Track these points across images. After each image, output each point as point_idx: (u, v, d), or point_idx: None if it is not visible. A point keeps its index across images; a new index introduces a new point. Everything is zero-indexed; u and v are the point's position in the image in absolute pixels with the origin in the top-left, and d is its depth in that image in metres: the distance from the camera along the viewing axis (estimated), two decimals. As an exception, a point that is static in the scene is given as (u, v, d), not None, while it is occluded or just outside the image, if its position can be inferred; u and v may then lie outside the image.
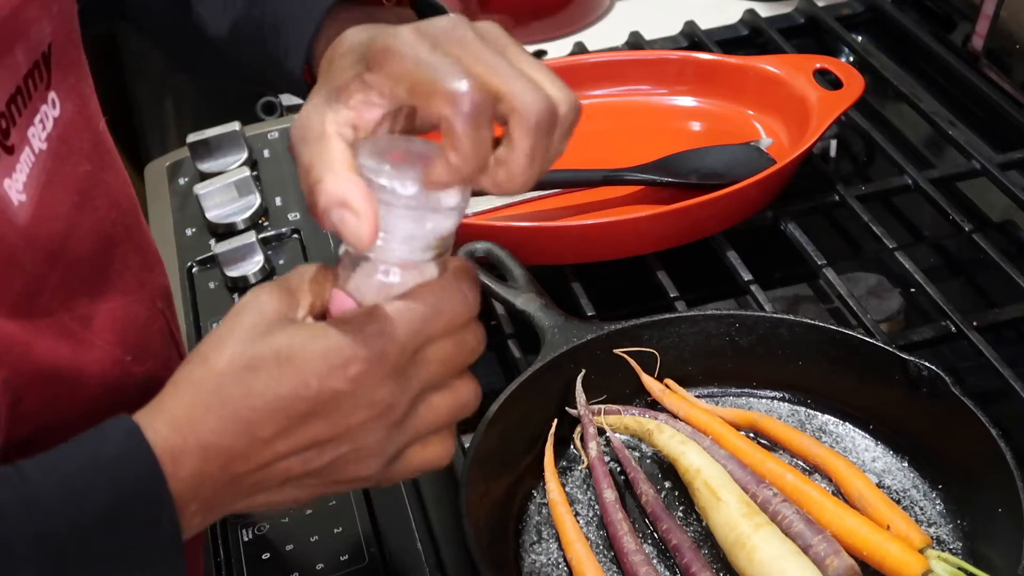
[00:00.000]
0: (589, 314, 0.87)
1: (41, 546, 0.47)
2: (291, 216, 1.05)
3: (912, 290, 0.90)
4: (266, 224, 1.04)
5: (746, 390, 0.80)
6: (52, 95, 0.60)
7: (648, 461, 0.77)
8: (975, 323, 0.83)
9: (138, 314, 0.69)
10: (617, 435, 0.77)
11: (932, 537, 0.68)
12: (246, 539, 0.76)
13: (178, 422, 0.51)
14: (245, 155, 1.10)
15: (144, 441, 0.50)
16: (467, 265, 0.56)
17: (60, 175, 0.61)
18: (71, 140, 0.62)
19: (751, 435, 0.76)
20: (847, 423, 0.77)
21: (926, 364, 0.71)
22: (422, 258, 0.54)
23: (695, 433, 0.75)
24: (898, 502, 0.71)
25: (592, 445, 0.75)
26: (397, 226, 0.52)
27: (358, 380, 0.51)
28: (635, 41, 1.22)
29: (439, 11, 0.71)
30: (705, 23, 1.23)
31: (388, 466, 0.55)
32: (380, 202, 0.52)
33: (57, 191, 0.60)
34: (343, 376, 0.51)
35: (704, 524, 0.71)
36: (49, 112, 0.60)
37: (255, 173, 1.10)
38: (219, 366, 0.51)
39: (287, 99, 1.22)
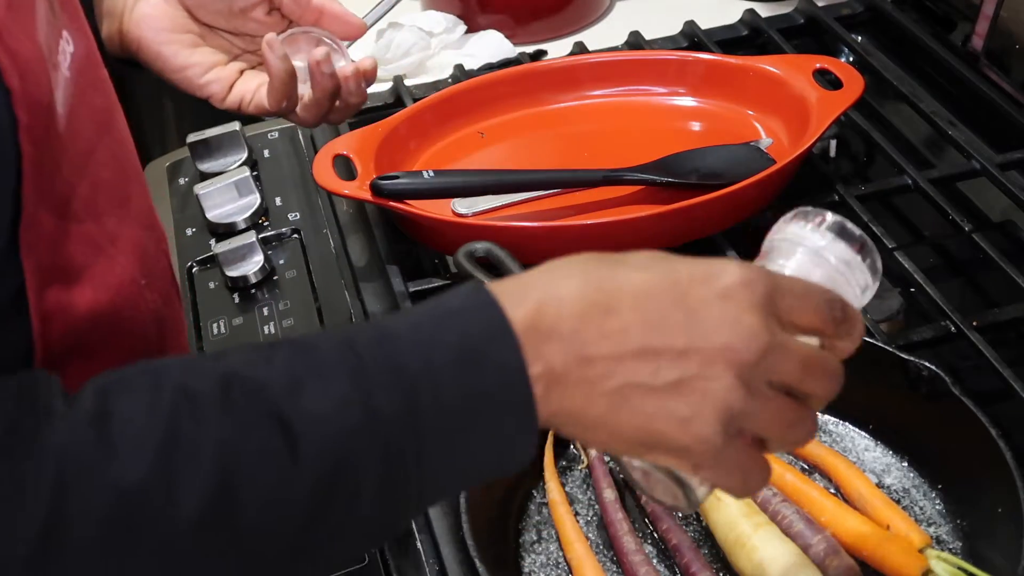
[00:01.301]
0: (589, 314, 0.87)
1: (395, 375, 0.48)
2: (291, 216, 1.05)
3: (912, 290, 0.90)
4: (266, 224, 1.04)
5: (746, 390, 0.80)
6: (65, 33, 0.64)
7: (648, 461, 0.77)
8: (975, 323, 0.83)
9: (149, 248, 0.73)
10: (617, 435, 0.77)
11: (932, 537, 0.68)
12: (246, 539, 0.76)
13: (529, 288, 0.51)
14: (245, 155, 1.10)
15: (488, 295, 0.50)
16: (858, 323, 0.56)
17: (82, 103, 0.65)
18: (89, 74, 0.67)
19: (751, 435, 0.76)
20: (847, 423, 0.77)
21: (926, 364, 0.72)
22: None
23: (695, 433, 0.75)
24: (898, 502, 0.71)
25: (592, 445, 0.75)
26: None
27: (730, 294, 0.50)
28: (635, 41, 1.21)
29: None
30: (705, 23, 1.23)
31: (718, 442, 0.50)
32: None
33: (81, 115, 0.64)
34: (717, 285, 0.50)
35: (704, 524, 0.71)
36: (66, 48, 0.64)
37: (255, 173, 1.10)
38: (587, 256, 0.52)
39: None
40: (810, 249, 0.56)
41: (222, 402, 0.47)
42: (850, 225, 0.56)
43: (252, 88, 0.86)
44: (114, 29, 0.83)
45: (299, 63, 0.83)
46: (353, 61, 0.86)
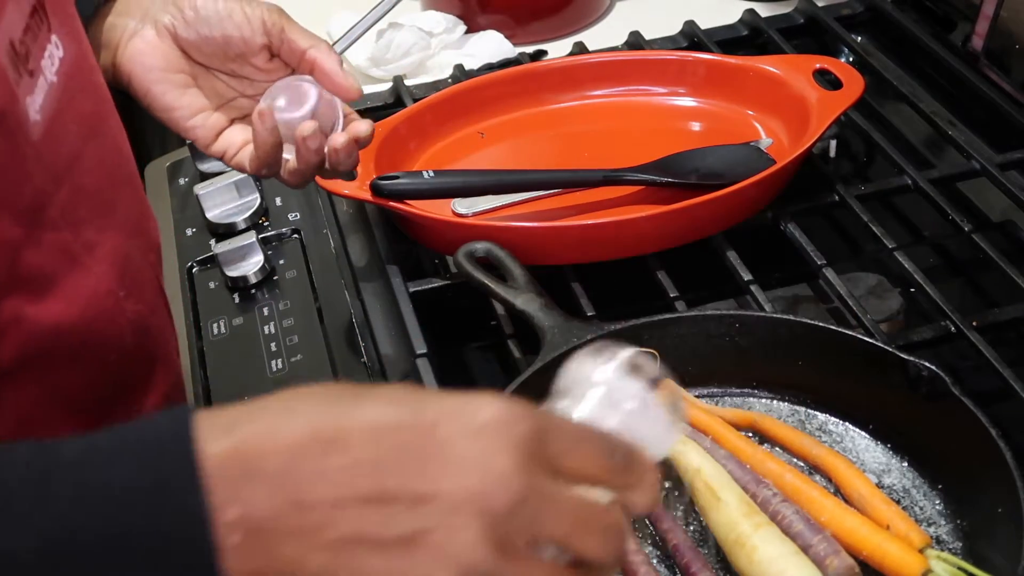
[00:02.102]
0: (589, 314, 0.87)
1: (39, 514, 0.41)
2: (291, 216, 1.05)
3: (912, 290, 0.90)
4: (266, 224, 1.04)
5: (746, 390, 0.80)
6: (54, 37, 0.63)
7: (648, 461, 0.77)
8: (975, 323, 0.83)
9: (134, 257, 0.71)
10: (617, 435, 0.77)
11: (932, 537, 0.68)
12: (246, 539, 0.76)
13: (245, 417, 0.44)
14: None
15: (187, 424, 0.43)
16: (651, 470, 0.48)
17: (69, 108, 0.64)
18: (77, 79, 0.66)
19: (751, 435, 0.76)
20: (847, 423, 0.77)
21: (926, 364, 0.72)
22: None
23: (695, 433, 0.75)
24: (898, 502, 0.71)
25: (592, 445, 0.75)
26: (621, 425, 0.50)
27: (483, 433, 0.43)
28: (635, 41, 1.21)
29: None
30: (705, 23, 1.23)
31: None
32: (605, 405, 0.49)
33: (66, 121, 0.63)
34: (470, 423, 0.43)
35: (704, 524, 0.71)
36: (55, 52, 0.63)
37: (255, 173, 1.10)
38: (326, 387, 0.45)
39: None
40: (600, 391, 0.49)
41: None
42: (650, 363, 0.50)
43: (238, 143, 0.82)
44: (108, 61, 0.80)
45: (288, 115, 0.78)
46: (343, 131, 0.80)
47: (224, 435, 0.42)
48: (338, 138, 0.79)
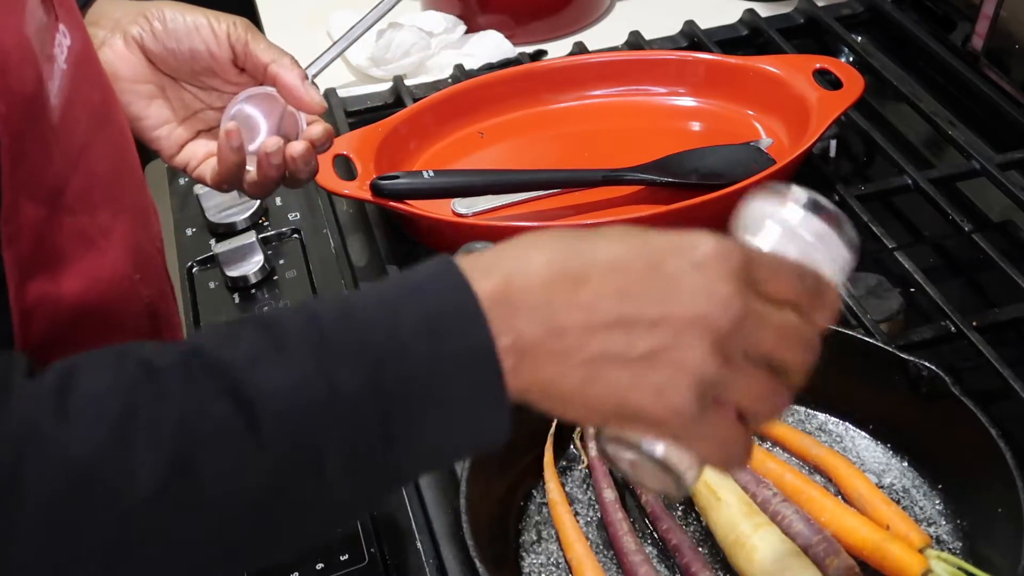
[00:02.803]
0: (589, 314, 0.87)
1: (359, 351, 0.48)
2: (291, 216, 1.05)
3: (912, 290, 0.90)
4: (266, 224, 1.04)
5: (746, 390, 0.80)
6: (62, 26, 0.64)
7: (648, 461, 0.77)
8: (975, 323, 0.83)
9: (144, 245, 0.72)
10: (617, 435, 0.77)
11: (932, 537, 0.68)
12: (246, 539, 0.76)
13: (498, 261, 0.50)
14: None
15: (456, 268, 0.49)
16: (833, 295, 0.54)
17: (78, 96, 0.64)
18: (84, 68, 0.67)
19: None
20: (847, 423, 0.77)
21: (926, 364, 0.72)
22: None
23: (695, 433, 0.74)
24: (898, 502, 0.71)
25: (592, 444, 0.75)
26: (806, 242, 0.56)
27: (704, 265, 0.49)
28: (635, 41, 1.22)
29: None
30: (705, 23, 1.23)
31: (694, 411, 0.49)
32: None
33: (76, 109, 0.64)
34: (692, 256, 0.49)
35: (704, 524, 0.71)
36: (63, 41, 0.63)
37: (255, 173, 1.10)
38: (559, 230, 0.51)
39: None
40: (783, 226, 0.55)
41: (184, 378, 0.47)
42: (823, 200, 0.56)
43: (200, 156, 0.83)
44: None
45: (250, 139, 0.80)
46: (303, 137, 0.81)
47: (487, 277, 0.49)
48: (296, 146, 0.79)
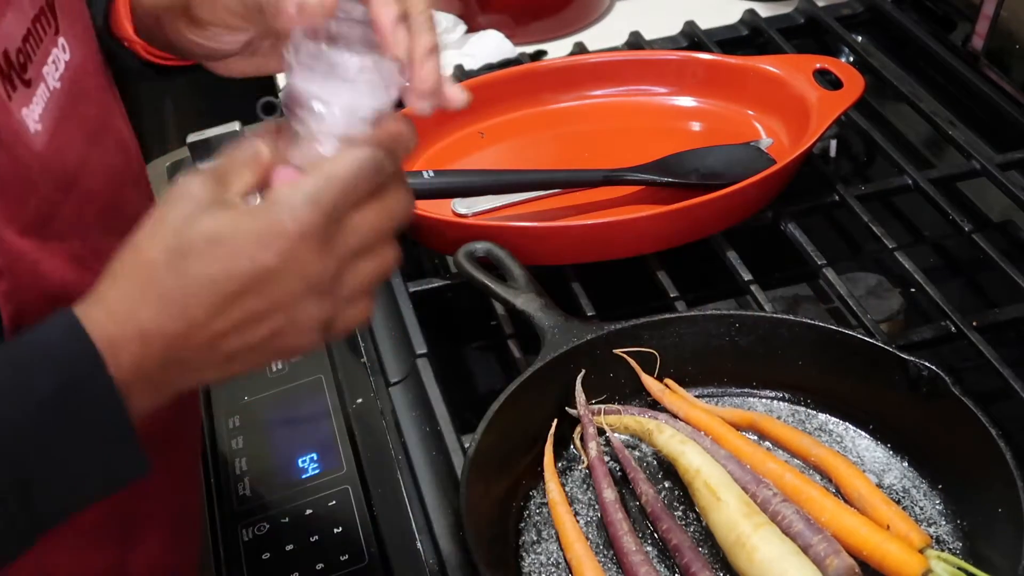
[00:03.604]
0: (589, 314, 0.87)
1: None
2: (291, 216, 1.05)
3: (912, 290, 0.90)
4: (266, 224, 1.04)
5: (746, 390, 0.80)
6: (61, 40, 0.64)
7: (648, 461, 0.77)
8: (975, 323, 0.83)
9: None
10: (617, 435, 0.77)
11: (932, 537, 0.68)
12: (246, 539, 0.76)
13: (115, 312, 0.53)
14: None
15: (82, 329, 0.52)
16: (396, 129, 0.57)
17: (74, 114, 0.65)
18: (82, 83, 0.66)
19: (751, 435, 0.76)
20: (847, 423, 0.77)
21: (926, 364, 0.72)
22: (360, 131, 0.56)
23: (695, 433, 0.75)
24: (898, 502, 0.71)
25: (592, 445, 0.75)
26: (339, 97, 0.55)
27: (288, 255, 0.52)
28: (635, 41, 1.22)
29: None
30: (705, 23, 1.23)
31: (322, 332, 0.56)
32: (324, 74, 0.55)
33: (70, 127, 0.64)
34: (273, 252, 0.52)
35: (704, 524, 0.71)
36: (60, 56, 0.63)
37: (255, 173, 1.10)
38: (152, 255, 0.53)
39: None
40: (324, 94, 0.55)
41: None
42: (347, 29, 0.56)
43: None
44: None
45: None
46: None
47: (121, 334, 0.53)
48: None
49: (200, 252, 0.53)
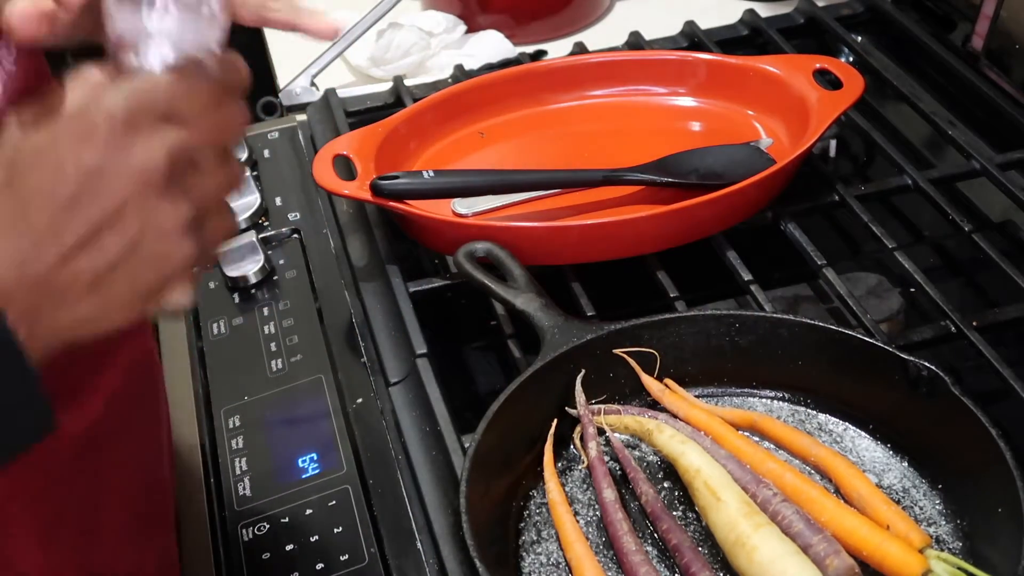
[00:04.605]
0: (589, 314, 0.87)
1: None
2: (291, 216, 1.05)
3: (912, 290, 0.90)
4: (266, 224, 1.04)
5: (746, 390, 0.80)
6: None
7: (648, 461, 0.77)
8: (975, 323, 0.83)
9: None
10: (617, 435, 0.77)
11: (932, 537, 0.68)
12: (246, 539, 0.76)
13: None
14: (245, 155, 1.10)
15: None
16: (231, 60, 0.57)
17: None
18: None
19: (751, 435, 0.76)
20: (847, 423, 0.77)
21: (926, 364, 0.72)
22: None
23: (695, 433, 0.75)
24: (898, 502, 0.71)
25: (592, 445, 0.75)
26: (162, 33, 0.55)
27: (108, 146, 0.52)
28: (635, 41, 1.22)
29: None
30: (705, 23, 1.23)
31: (193, 243, 0.54)
32: (146, 9, 0.54)
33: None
34: (92, 147, 0.52)
35: (704, 524, 0.71)
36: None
37: (255, 173, 1.10)
38: None
39: (287, 99, 1.22)
40: (148, 40, 0.55)
41: None
42: None
43: None
44: None
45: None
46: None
47: None
48: None
49: (30, 165, 0.52)
